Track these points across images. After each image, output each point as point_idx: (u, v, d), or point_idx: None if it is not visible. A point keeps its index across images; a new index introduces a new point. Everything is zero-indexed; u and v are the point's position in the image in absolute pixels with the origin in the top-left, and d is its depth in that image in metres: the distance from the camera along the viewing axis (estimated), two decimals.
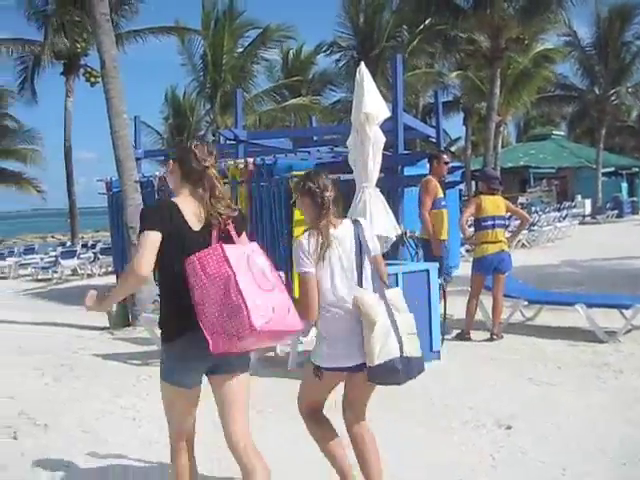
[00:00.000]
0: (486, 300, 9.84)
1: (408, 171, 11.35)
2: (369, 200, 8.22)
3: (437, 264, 8.66)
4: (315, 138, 16.04)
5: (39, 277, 24.25)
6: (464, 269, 11.76)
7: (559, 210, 30.32)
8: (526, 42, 30.02)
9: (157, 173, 13.60)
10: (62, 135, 26.86)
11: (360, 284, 4.16)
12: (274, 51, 35.63)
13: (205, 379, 3.89)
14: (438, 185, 9.53)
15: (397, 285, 7.89)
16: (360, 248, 4.19)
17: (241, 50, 32.98)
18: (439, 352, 8.47)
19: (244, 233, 3.88)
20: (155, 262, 3.61)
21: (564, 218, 28.27)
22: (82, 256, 24.03)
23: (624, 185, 44.20)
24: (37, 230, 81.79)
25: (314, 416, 4.52)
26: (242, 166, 11.40)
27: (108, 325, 11.45)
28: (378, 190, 8.45)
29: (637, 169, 48.63)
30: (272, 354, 9.13)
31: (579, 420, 6.20)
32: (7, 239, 71.08)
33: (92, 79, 27.70)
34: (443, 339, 8.73)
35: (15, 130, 34.19)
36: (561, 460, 5.26)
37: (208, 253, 3.50)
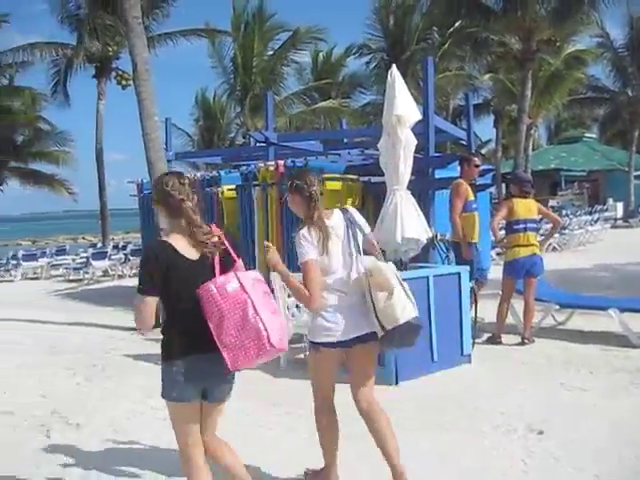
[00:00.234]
0: (517, 304, 9.77)
1: (439, 174, 11.29)
2: (400, 203, 8.19)
3: (468, 267, 8.62)
4: (345, 140, 16.04)
5: (71, 278, 24.47)
6: (495, 272, 11.68)
7: (590, 213, 30.01)
8: (558, 44, 29.78)
9: (188, 175, 13.67)
10: (93, 137, 27.10)
11: (358, 263, 4.57)
12: (304, 53, 35.69)
13: None
14: (469, 188, 9.48)
15: (428, 288, 7.89)
16: (353, 231, 4.60)
17: (271, 53, 33.05)
18: (470, 356, 8.44)
19: (240, 260, 4.03)
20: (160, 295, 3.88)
21: (595, 221, 27.97)
22: (113, 257, 24.24)
23: None
24: (68, 231, 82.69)
25: (326, 410, 4.90)
26: (272, 168, 11.41)
27: None
28: (409, 193, 8.42)
29: None
30: (302, 356, 9.13)
31: (612, 426, 6.13)
32: (39, 240, 71.98)
33: (123, 82, 27.93)
34: (474, 343, 8.69)
35: (48, 132, 34.46)
36: (594, 467, 5.20)
37: (225, 281, 3.76)
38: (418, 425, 6.28)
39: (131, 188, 15.40)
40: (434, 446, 5.76)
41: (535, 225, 9.71)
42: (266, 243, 4.56)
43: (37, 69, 29.58)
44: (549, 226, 14.49)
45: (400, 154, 8.20)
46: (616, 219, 37.49)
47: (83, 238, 67.31)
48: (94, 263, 23.03)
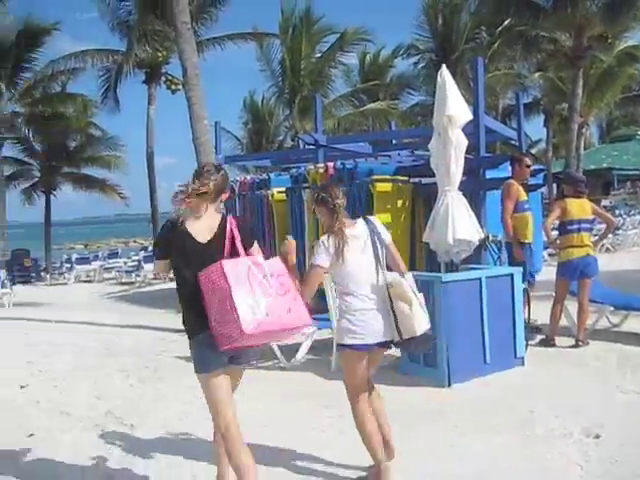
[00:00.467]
0: (571, 305, 9.62)
1: (490, 174, 11.19)
2: (451, 203, 8.15)
3: (521, 268, 8.53)
4: (394, 142, 15.98)
5: (123, 280, 24.82)
6: (547, 273, 11.54)
7: None
8: (609, 40, 29.24)
9: (238, 178, 13.74)
10: (143, 141, 27.44)
11: (378, 271, 4.89)
12: (352, 55, 35.65)
13: None
14: (520, 188, 9.39)
15: (481, 289, 7.83)
16: (375, 241, 4.93)
17: (319, 55, 33.08)
18: (523, 358, 8.33)
19: (255, 244, 4.45)
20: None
21: None
22: None
23: None
24: (120, 235, 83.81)
25: (361, 402, 5.02)
26: (322, 170, 11.42)
27: None
28: (460, 193, 8.36)
29: None
30: None
31: None
32: (92, 243, 73.08)
33: (173, 87, 28.17)
34: (527, 345, 8.59)
35: (99, 138, 34.96)
36: None
37: (212, 269, 4.07)
38: (471, 427, 6.22)
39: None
40: (487, 448, 5.70)
41: (589, 225, 9.55)
42: (288, 237, 4.79)
43: (87, 76, 29.91)
44: (602, 226, 14.25)
45: (451, 154, 8.16)
46: None
47: (134, 241, 68.22)
48: (145, 266, 23.30)
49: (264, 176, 13.82)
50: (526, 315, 8.72)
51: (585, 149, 41.31)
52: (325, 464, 5.50)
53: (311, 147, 14.09)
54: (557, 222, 9.51)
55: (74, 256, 29.95)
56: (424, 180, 10.92)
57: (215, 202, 4.39)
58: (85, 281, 27.58)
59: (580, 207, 9.27)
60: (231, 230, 4.29)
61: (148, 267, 23.50)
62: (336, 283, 5.00)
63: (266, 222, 12.92)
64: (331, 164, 11.51)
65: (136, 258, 25.44)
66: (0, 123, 27.57)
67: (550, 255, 18.05)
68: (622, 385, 7.42)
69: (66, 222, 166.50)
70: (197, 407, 7.25)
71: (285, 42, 31.44)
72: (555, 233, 9.88)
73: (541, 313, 9.85)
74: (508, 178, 9.67)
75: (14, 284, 23.62)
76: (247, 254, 4.30)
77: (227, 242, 4.26)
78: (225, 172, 4.56)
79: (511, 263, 9.24)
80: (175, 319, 11.48)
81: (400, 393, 7.47)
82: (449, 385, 7.57)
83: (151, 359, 9.92)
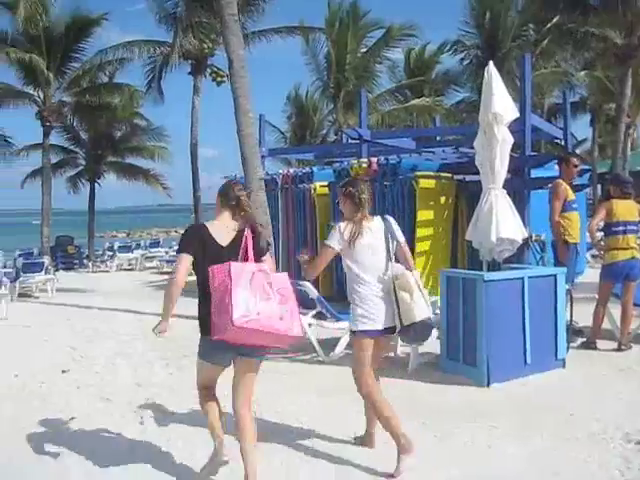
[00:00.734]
0: (614, 309, 9.49)
1: (535, 173, 11.08)
2: (495, 202, 8.08)
3: (565, 269, 8.43)
4: (438, 138, 15.91)
5: (164, 269, 25.00)
6: (590, 275, 11.40)
7: None
8: None
9: (281, 171, 13.77)
10: (184, 132, 27.56)
11: (388, 264, 5.29)
12: (397, 51, 35.49)
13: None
14: (568, 188, 9.28)
15: (523, 289, 7.76)
16: (388, 237, 5.35)
17: (364, 50, 33.00)
18: (564, 360, 8.23)
19: (268, 254, 5.02)
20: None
21: None
22: None
23: None
24: (162, 224, 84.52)
25: (372, 382, 5.38)
26: (366, 165, 11.40)
27: None
28: (505, 192, 8.29)
29: None
30: (392, 354, 9.10)
31: None
32: (134, 232, 73.83)
33: (218, 78, 28.27)
34: (568, 347, 8.48)
35: (144, 128, 35.25)
36: None
37: (221, 267, 4.53)
38: (509, 428, 6.17)
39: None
40: (526, 450, 5.64)
41: (635, 227, 9.39)
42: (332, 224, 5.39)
43: (133, 67, 30.07)
44: None
45: (496, 152, 8.09)
46: None
47: (176, 231, 68.63)
48: None
49: (307, 170, 13.83)
50: (568, 317, 8.61)
51: (632, 150, 40.64)
52: (361, 459, 5.49)
53: (354, 142, 14.07)
54: (602, 223, 9.38)
55: (116, 244, 30.27)
56: (468, 177, 10.85)
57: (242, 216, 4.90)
58: (127, 269, 27.84)
59: (626, 209, 9.14)
60: (246, 238, 4.79)
61: None
62: (349, 270, 5.33)
63: (308, 215, 12.94)
64: (374, 159, 11.49)
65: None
66: (48, 112, 27.91)
67: (593, 257, 17.83)
68: None
69: (109, 210, 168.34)
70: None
71: (331, 36, 31.40)
72: (600, 234, 9.74)
73: (583, 315, 9.73)
74: (553, 177, 9.57)
75: (57, 270, 23.95)
76: (259, 261, 4.79)
77: (242, 248, 4.76)
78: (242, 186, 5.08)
79: (556, 263, 9.14)
80: None
81: (438, 391, 7.44)
82: (488, 385, 7.51)
83: (190, 348, 9.92)
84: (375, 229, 5.33)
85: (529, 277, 7.90)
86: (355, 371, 5.41)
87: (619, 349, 9.03)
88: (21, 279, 17.71)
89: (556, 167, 10.85)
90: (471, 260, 10.58)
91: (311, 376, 8.18)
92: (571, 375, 7.97)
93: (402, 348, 9.09)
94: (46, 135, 28.51)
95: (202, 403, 5.19)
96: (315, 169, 13.92)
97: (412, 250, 10.64)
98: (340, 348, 8.89)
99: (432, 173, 11.39)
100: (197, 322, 4.82)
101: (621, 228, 9.06)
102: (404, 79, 38.10)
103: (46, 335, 11.73)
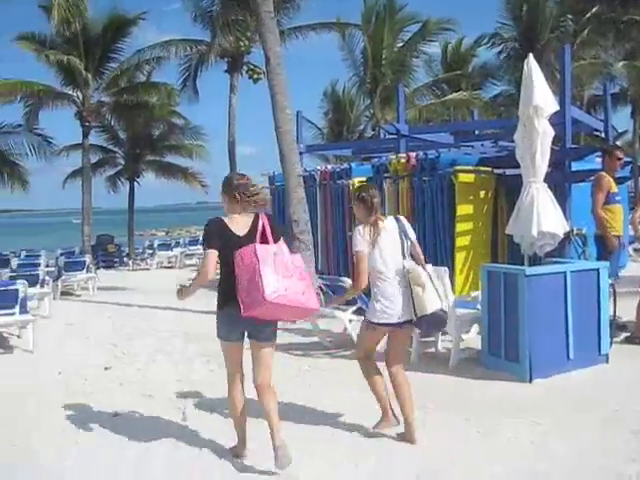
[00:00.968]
0: None
1: (575, 166, 10.95)
2: (536, 195, 7.99)
3: (608, 263, 8.32)
4: (476, 132, 15.79)
5: None
6: (633, 269, 11.25)
7: None
8: None
9: (319, 167, 13.77)
10: (221, 130, 27.65)
11: (403, 260, 5.72)
12: (434, 45, 35.25)
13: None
14: (611, 180, 9.15)
15: (565, 284, 7.68)
16: (402, 236, 5.78)
17: (401, 44, 32.83)
18: (607, 355, 8.13)
19: (282, 239, 5.36)
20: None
21: None
22: None
23: None
24: (201, 222, 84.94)
25: (367, 361, 6.08)
26: (404, 160, 11.35)
27: None
28: (546, 185, 8.20)
29: None
30: (432, 350, 9.07)
31: None
32: (173, 230, 74.38)
33: (255, 76, 28.30)
34: (612, 342, 8.37)
35: (182, 127, 35.44)
36: None
37: (247, 249, 5.04)
38: (553, 424, 6.11)
39: (263, 180, 15.64)
40: (571, 446, 5.58)
41: None
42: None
43: (169, 66, 30.09)
44: None
45: (537, 146, 7.99)
46: None
47: None
48: None
49: (345, 165, 13.79)
50: (611, 311, 8.49)
51: None
52: (403, 454, 5.48)
53: (392, 137, 14.02)
54: None
55: (156, 242, 30.51)
56: (508, 171, 10.75)
57: (250, 206, 5.36)
58: (167, 267, 28.04)
59: None
60: (263, 225, 5.26)
61: None
62: (372, 269, 5.73)
63: (347, 211, 12.92)
64: (413, 154, 11.42)
65: None
66: (87, 112, 28.18)
67: (635, 250, 17.59)
68: None
69: (148, 209, 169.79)
70: (278, 392, 7.33)
71: (367, 31, 31.29)
72: None
73: (626, 310, 9.59)
74: (594, 170, 9.45)
75: (98, 269, 24.21)
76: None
77: (258, 235, 5.21)
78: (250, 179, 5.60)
79: (599, 257, 9.02)
80: None
81: (480, 387, 7.40)
82: (530, 380, 7.44)
83: None
84: (389, 229, 5.79)
85: (571, 271, 7.82)
86: (358, 347, 6.29)
87: None
88: (63, 278, 17.94)
89: (597, 160, 10.72)
90: (511, 255, 10.48)
91: (352, 372, 8.13)
92: (615, 370, 7.86)
93: (443, 344, 9.06)
94: (86, 135, 28.79)
95: (232, 398, 5.63)
96: (353, 165, 13.88)
97: (452, 245, 10.59)
98: (381, 344, 8.85)
99: (471, 167, 11.30)
100: None
101: None
102: (441, 73, 37.85)
103: (88, 333, 11.88)
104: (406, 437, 5.77)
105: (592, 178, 9.47)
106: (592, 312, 7.97)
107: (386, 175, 11.82)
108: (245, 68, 28.55)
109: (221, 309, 5.34)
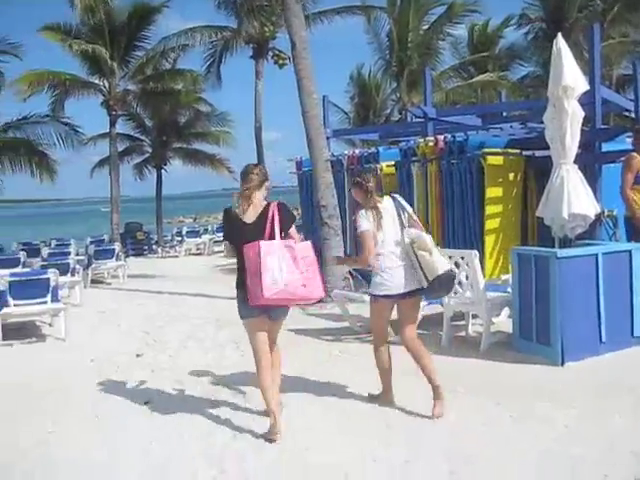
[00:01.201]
0: None
1: (605, 147, 10.81)
2: (567, 177, 7.92)
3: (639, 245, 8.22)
4: (504, 114, 15.66)
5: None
6: None
7: None
8: None
9: (346, 152, 13.72)
10: (246, 116, 27.59)
11: (403, 234, 6.06)
12: (460, 27, 34.92)
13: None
14: None
15: (597, 266, 7.61)
16: (400, 212, 6.16)
17: (426, 27, 32.57)
18: None
19: (293, 227, 5.81)
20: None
21: None
22: None
23: None
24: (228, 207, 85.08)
25: (383, 346, 6.36)
26: (432, 144, 11.27)
27: None
28: (576, 167, 8.11)
29: None
30: (463, 334, 9.03)
31: None
32: (201, 217, 74.65)
33: (280, 61, 28.24)
34: None
35: (208, 113, 35.42)
36: None
37: (252, 245, 5.44)
38: (586, 408, 6.07)
39: (289, 166, 15.64)
40: (602, 430, 5.54)
41: None
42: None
43: (194, 53, 29.93)
44: None
45: (567, 127, 7.92)
46: None
47: None
48: None
49: (373, 150, 13.74)
50: None
51: None
52: (433, 438, 5.46)
53: (419, 120, 13.93)
54: None
55: (184, 229, 30.62)
56: (538, 153, 10.64)
57: (260, 192, 5.77)
58: (195, 254, 28.17)
59: None
60: (272, 214, 5.60)
61: None
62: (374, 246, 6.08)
63: None
64: (441, 137, 11.34)
65: None
66: (114, 101, 28.27)
67: None
68: None
69: (175, 196, 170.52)
70: (307, 378, 7.36)
71: (392, 14, 31.07)
72: None
73: None
74: (624, 151, 9.32)
75: (127, 257, 24.37)
76: (285, 234, 5.67)
77: (268, 224, 5.57)
78: (263, 168, 6.00)
79: (629, 239, 8.92)
80: None
81: (512, 371, 7.36)
82: (562, 364, 7.39)
83: None
84: (388, 208, 6.18)
85: (603, 253, 7.74)
86: (372, 330, 6.62)
87: None
88: (93, 266, 18.07)
89: (627, 140, 10.58)
90: (541, 237, 10.39)
91: None
92: None
93: (474, 327, 9.02)
94: (112, 124, 28.90)
95: (262, 374, 5.89)
96: (381, 149, 13.82)
97: (481, 228, 10.53)
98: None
99: (500, 149, 11.21)
100: None
101: None
102: (467, 55, 37.52)
103: (119, 320, 11.97)
104: (434, 397, 6.05)
105: (622, 159, 9.34)
106: (624, 294, 7.90)
107: (414, 159, 11.75)
108: (270, 54, 28.50)
109: (238, 290, 5.75)
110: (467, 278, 8.39)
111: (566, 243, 8.53)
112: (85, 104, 32.36)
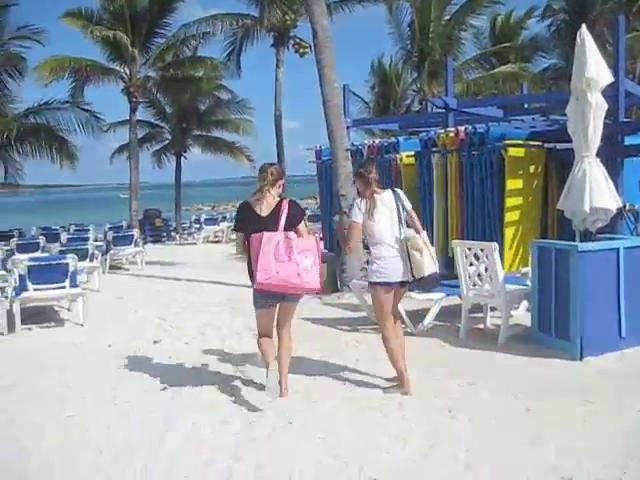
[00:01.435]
0: None
1: (628, 140, 10.70)
2: (589, 170, 7.86)
3: None
4: (526, 106, 15.53)
5: None
6: None
7: None
8: None
9: (366, 142, 13.67)
10: (266, 105, 27.60)
11: (400, 228, 6.37)
12: (482, 17, 34.69)
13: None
14: None
15: (618, 260, 7.55)
16: (399, 206, 6.44)
17: (448, 17, 32.40)
18: None
19: (302, 223, 6.26)
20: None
21: None
22: None
23: None
24: (246, 197, 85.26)
25: (389, 327, 6.51)
26: (453, 135, 11.20)
27: None
28: (598, 160, 8.04)
29: None
30: (481, 326, 9.00)
31: None
32: (219, 204, 74.79)
33: (301, 50, 28.19)
34: None
35: (228, 101, 35.40)
36: None
37: (257, 236, 5.93)
38: (603, 402, 6.03)
39: (308, 155, 15.59)
40: (621, 425, 5.51)
41: None
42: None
43: (215, 41, 29.83)
44: None
45: (590, 119, 7.85)
46: None
47: None
48: None
49: (393, 140, 13.66)
50: None
51: None
52: (450, 430, 5.45)
53: (439, 111, 13.83)
54: None
55: (203, 217, 30.70)
56: (559, 145, 10.55)
57: (274, 189, 6.19)
58: (213, 241, 28.26)
59: None
60: (282, 210, 6.07)
61: None
62: (369, 236, 6.43)
63: (394, 185, 12.81)
64: (462, 128, 11.26)
65: None
66: (134, 88, 28.31)
67: None
68: None
69: (194, 183, 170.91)
70: (324, 368, 7.35)
71: (414, 4, 30.92)
72: None
73: None
74: None
75: (146, 243, 24.46)
76: (292, 228, 6.07)
77: (279, 218, 6.04)
78: (278, 167, 6.44)
79: None
80: None
81: (530, 365, 7.33)
82: (581, 358, 7.35)
83: None
84: (387, 200, 6.44)
85: (625, 248, 7.68)
86: (376, 316, 6.74)
87: None
88: (112, 252, 18.18)
89: None
90: (561, 231, 10.31)
91: None
92: None
93: (492, 320, 8.99)
94: (133, 111, 28.95)
95: (259, 343, 6.40)
96: (401, 139, 13.74)
97: (501, 221, 10.46)
98: (429, 320, 8.82)
99: (521, 141, 11.11)
100: None
101: None
102: (489, 46, 37.29)
103: (137, 306, 12.03)
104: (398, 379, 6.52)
105: None
106: None
107: (434, 149, 11.68)
108: (291, 42, 28.45)
109: (252, 283, 6.11)
110: (486, 270, 8.36)
111: (587, 237, 8.47)
112: (105, 91, 32.46)
